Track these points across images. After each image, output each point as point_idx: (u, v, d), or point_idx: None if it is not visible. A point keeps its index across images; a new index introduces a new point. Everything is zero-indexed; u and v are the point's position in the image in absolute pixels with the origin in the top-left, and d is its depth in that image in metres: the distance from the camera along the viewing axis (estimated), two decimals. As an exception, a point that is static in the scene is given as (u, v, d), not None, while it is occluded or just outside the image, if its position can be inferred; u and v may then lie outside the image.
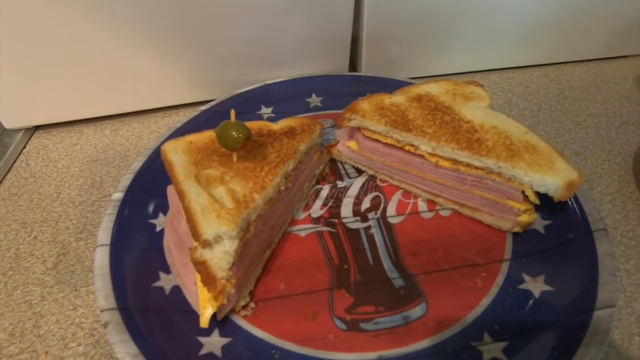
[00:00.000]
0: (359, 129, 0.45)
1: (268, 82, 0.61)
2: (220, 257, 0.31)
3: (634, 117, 0.60)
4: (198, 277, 0.32)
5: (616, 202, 0.46)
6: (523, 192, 0.38)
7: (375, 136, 0.44)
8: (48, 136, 0.57)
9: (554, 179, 0.36)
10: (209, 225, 0.31)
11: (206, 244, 0.31)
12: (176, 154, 0.38)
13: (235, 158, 0.38)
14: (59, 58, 0.51)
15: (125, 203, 0.42)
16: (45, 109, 0.56)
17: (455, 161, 0.40)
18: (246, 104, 0.58)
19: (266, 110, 0.58)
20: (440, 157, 0.41)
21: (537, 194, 0.38)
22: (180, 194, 0.34)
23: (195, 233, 0.31)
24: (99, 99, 0.57)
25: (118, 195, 0.42)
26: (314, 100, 0.60)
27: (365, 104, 0.45)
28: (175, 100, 0.61)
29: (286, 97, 0.59)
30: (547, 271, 0.37)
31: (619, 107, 0.61)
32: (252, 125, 0.43)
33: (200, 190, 0.34)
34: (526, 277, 0.37)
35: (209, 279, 0.31)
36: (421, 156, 0.42)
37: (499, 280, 0.37)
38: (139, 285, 0.36)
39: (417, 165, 0.43)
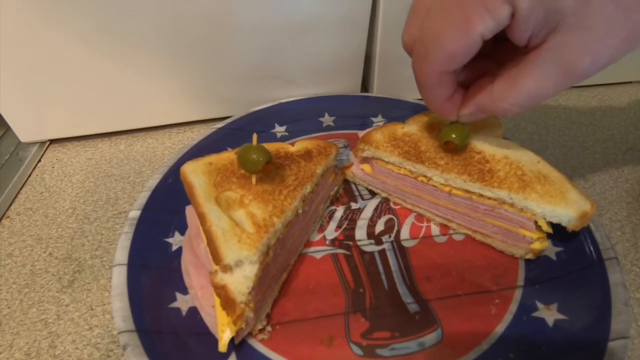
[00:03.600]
0: (374, 158, 0.46)
1: (282, 101, 0.62)
2: (240, 281, 0.32)
3: (639, 143, 0.61)
4: (217, 300, 0.32)
5: (625, 230, 0.46)
6: (535, 221, 0.39)
7: (389, 166, 0.45)
8: (63, 150, 0.57)
9: (566, 210, 0.37)
10: (230, 249, 0.32)
11: (227, 269, 0.32)
12: (196, 176, 0.39)
13: (254, 181, 0.38)
14: (74, 72, 0.52)
15: (141, 221, 0.42)
16: (60, 123, 0.57)
17: (468, 191, 0.41)
18: (260, 122, 0.59)
19: (280, 129, 0.58)
20: (453, 187, 0.41)
21: (550, 222, 0.39)
22: (201, 217, 0.34)
23: (216, 257, 0.32)
24: (114, 114, 0.58)
25: (135, 213, 0.43)
26: (327, 119, 0.61)
27: (378, 134, 0.46)
28: (189, 117, 0.61)
29: (299, 116, 0.60)
30: (560, 299, 0.37)
31: (625, 133, 0.63)
32: (270, 147, 0.44)
33: (221, 214, 0.35)
34: (539, 304, 0.37)
35: (228, 303, 0.32)
36: (434, 185, 0.42)
37: (513, 307, 0.37)
38: (156, 307, 0.36)
39: (430, 192, 0.43)
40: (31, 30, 0.48)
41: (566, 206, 0.37)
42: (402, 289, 0.39)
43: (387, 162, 0.45)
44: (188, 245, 0.38)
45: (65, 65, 0.51)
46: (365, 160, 0.48)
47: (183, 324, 0.35)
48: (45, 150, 0.57)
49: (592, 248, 0.40)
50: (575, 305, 0.37)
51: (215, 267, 0.32)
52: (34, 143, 0.58)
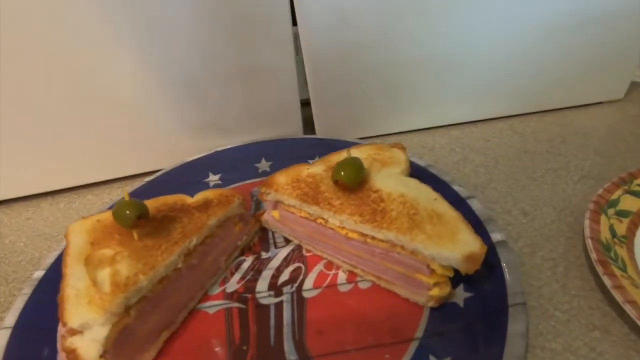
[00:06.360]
0: (277, 201, 0.45)
1: (218, 149, 0.63)
2: (90, 345, 0.31)
3: (596, 170, 0.56)
4: (69, 367, 0.31)
5: (557, 269, 0.41)
6: (429, 265, 0.35)
7: (291, 209, 0.43)
8: (7, 211, 0.60)
9: (452, 252, 0.33)
10: (77, 312, 0.31)
11: (75, 332, 0.31)
12: (78, 234, 0.39)
13: (135, 236, 0.38)
14: (10, 134, 0.55)
15: (43, 282, 0.42)
16: (5, 183, 0.59)
17: (361, 233, 0.38)
18: (193, 172, 0.59)
19: (213, 178, 0.59)
20: (348, 229, 0.39)
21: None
22: (63, 278, 0.34)
23: (62, 320, 0.31)
24: (55, 172, 0.60)
25: (39, 273, 0.43)
26: (263, 165, 0.60)
27: (282, 176, 0.45)
28: (129, 171, 0.63)
29: (235, 163, 0.61)
30: (454, 353, 0.33)
31: (582, 160, 0.58)
32: (168, 199, 0.44)
33: (83, 275, 0.34)
34: (432, 359, 0.33)
35: (79, 369, 0.30)
36: (332, 228, 0.40)
37: (403, 364, 0.33)
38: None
39: (332, 237, 0.41)
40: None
41: (452, 248, 0.34)
42: (288, 345, 0.36)
43: (289, 205, 0.43)
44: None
45: (3, 128, 0.54)
46: (275, 205, 0.47)
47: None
48: (-7, 212, 0.60)
49: (499, 292, 0.36)
50: (470, 361, 0.32)
51: (64, 331, 0.31)
52: (-18, 206, 0.61)
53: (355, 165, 0.39)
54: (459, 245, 0.34)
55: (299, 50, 0.60)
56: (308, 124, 0.67)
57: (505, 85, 0.66)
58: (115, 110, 0.57)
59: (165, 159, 0.63)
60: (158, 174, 0.58)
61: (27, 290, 0.41)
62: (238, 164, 0.60)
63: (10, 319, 0.38)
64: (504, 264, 0.38)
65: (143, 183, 0.56)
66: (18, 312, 0.39)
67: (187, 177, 0.59)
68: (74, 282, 0.33)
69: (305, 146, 0.63)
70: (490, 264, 0.38)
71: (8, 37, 0.49)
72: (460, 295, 0.38)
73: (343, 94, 0.64)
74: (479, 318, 0.35)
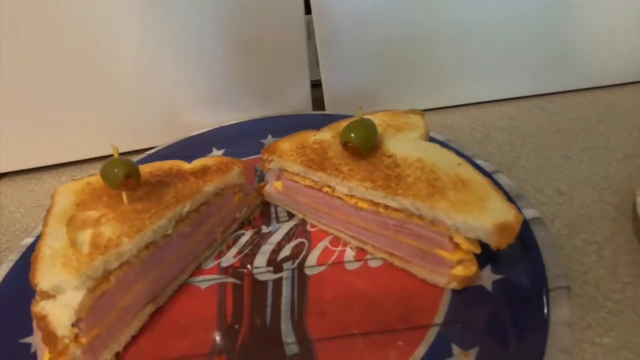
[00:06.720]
0: (280, 170, 0.41)
1: (223, 124, 0.59)
2: (61, 311, 0.27)
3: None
4: (38, 334, 0.28)
5: (603, 253, 0.36)
6: (452, 238, 0.30)
7: (295, 178, 0.39)
8: (10, 183, 0.58)
9: (480, 221, 0.28)
10: (49, 272, 0.28)
11: (46, 295, 0.27)
12: (65, 196, 0.36)
13: (125, 199, 0.35)
14: (24, 106, 0.54)
15: (31, 249, 0.39)
16: (9, 156, 0.58)
17: (373, 202, 0.34)
18: (196, 146, 0.56)
19: (217, 153, 0.55)
20: (358, 198, 0.35)
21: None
22: (41, 238, 0.31)
23: (33, 281, 0.27)
24: (58, 146, 0.58)
25: (28, 240, 0.41)
26: (270, 141, 0.56)
27: (286, 143, 0.41)
28: (134, 145, 0.60)
29: (240, 138, 0.57)
30: (482, 343, 0.28)
31: (625, 139, 0.52)
32: (163, 164, 0.41)
33: (62, 235, 0.31)
34: (456, 349, 0.28)
35: (49, 337, 0.27)
36: (340, 197, 0.36)
37: (419, 352, 0.28)
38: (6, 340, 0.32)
39: (339, 207, 0.37)
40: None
41: (481, 216, 0.29)
42: (285, 325, 0.32)
43: (292, 173, 0.39)
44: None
45: (12, 99, 0.53)
46: (278, 173, 0.43)
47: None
48: (-4, 184, 0.59)
49: (536, 274, 0.31)
50: (500, 353, 0.27)
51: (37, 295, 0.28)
52: (-14, 177, 0.59)
53: (367, 126, 0.35)
54: (489, 214, 0.29)
55: (311, 34, 0.56)
56: (317, 106, 0.63)
57: (531, 61, 0.60)
58: (119, 83, 0.55)
59: (169, 134, 0.60)
60: (158, 147, 0.55)
61: (13, 257, 0.39)
62: (243, 139, 0.57)
63: (-8, 285, 0.36)
64: (539, 243, 0.33)
65: (141, 157, 0.53)
66: (1, 278, 0.36)
67: (188, 151, 0.55)
68: (52, 241, 0.30)
69: (313, 122, 0.58)
70: (523, 243, 0.33)
71: (14, 6, 0.47)
72: (488, 277, 0.32)
73: (354, 70, 0.60)
74: (511, 303, 0.30)
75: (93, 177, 0.38)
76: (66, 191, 0.36)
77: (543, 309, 0.28)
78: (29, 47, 0.50)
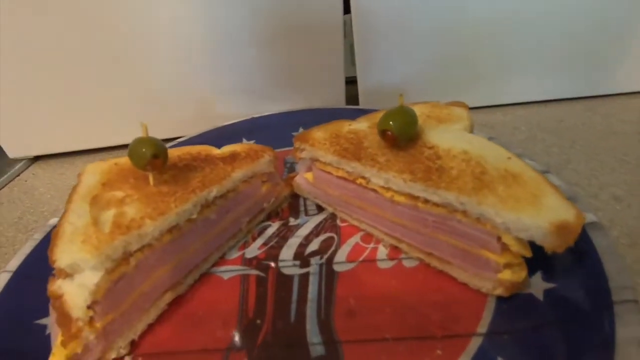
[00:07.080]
0: (312, 160, 0.39)
1: (255, 115, 0.58)
2: (76, 291, 0.26)
3: None
4: (53, 315, 0.27)
5: (671, 267, 0.31)
6: (500, 238, 0.27)
7: (328, 168, 0.37)
8: (43, 165, 0.59)
9: (534, 219, 0.25)
10: (68, 249, 0.26)
11: (64, 274, 0.26)
12: (92, 175, 0.35)
13: (151, 180, 0.33)
14: (60, 91, 0.54)
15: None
16: (44, 140, 0.59)
17: (411, 196, 0.31)
18: (226, 136, 0.54)
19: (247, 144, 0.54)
20: (395, 191, 0.32)
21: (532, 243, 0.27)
22: (63, 215, 0.30)
23: (51, 258, 0.26)
24: (92, 132, 0.59)
25: (53, 220, 0.40)
26: (301, 134, 0.55)
27: (320, 132, 0.39)
28: (166, 134, 0.60)
29: (271, 130, 0.55)
30: (534, 359, 0.25)
31: (692, 144, 0.47)
32: (192, 149, 0.39)
33: (85, 212, 0.30)
34: (502, 363, 0.25)
35: (63, 318, 0.26)
36: (374, 190, 0.33)
37: (460, 364, 0.25)
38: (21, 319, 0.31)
39: (373, 201, 0.34)
40: (19, 58, 0.51)
41: (535, 213, 0.25)
42: (311, 324, 0.29)
43: (325, 163, 0.37)
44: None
45: (51, 84, 0.54)
46: (310, 164, 0.40)
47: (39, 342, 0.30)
48: (29, 166, 0.60)
49: (597, 285, 0.27)
50: (557, 369, 0.24)
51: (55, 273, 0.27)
52: (21, 159, 0.60)
53: (407, 114, 0.32)
54: (546, 212, 0.25)
55: (347, 34, 0.55)
56: (350, 104, 0.61)
57: (584, 60, 0.56)
58: (154, 71, 0.55)
59: (201, 124, 0.59)
60: (188, 136, 0.54)
61: (38, 236, 0.38)
62: (274, 131, 0.55)
63: (14, 262, 0.35)
64: (599, 250, 0.29)
65: (171, 144, 0.52)
66: (24, 256, 0.36)
67: (218, 141, 0.53)
68: (74, 218, 0.29)
69: (347, 117, 0.56)
70: (579, 249, 0.29)
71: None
72: (538, 285, 0.29)
73: (390, 67, 0.57)
74: (566, 316, 0.26)
75: (121, 158, 0.37)
76: (93, 170, 0.36)
77: (604, 325, 0.24)
78: (67, 35, 0.51)
